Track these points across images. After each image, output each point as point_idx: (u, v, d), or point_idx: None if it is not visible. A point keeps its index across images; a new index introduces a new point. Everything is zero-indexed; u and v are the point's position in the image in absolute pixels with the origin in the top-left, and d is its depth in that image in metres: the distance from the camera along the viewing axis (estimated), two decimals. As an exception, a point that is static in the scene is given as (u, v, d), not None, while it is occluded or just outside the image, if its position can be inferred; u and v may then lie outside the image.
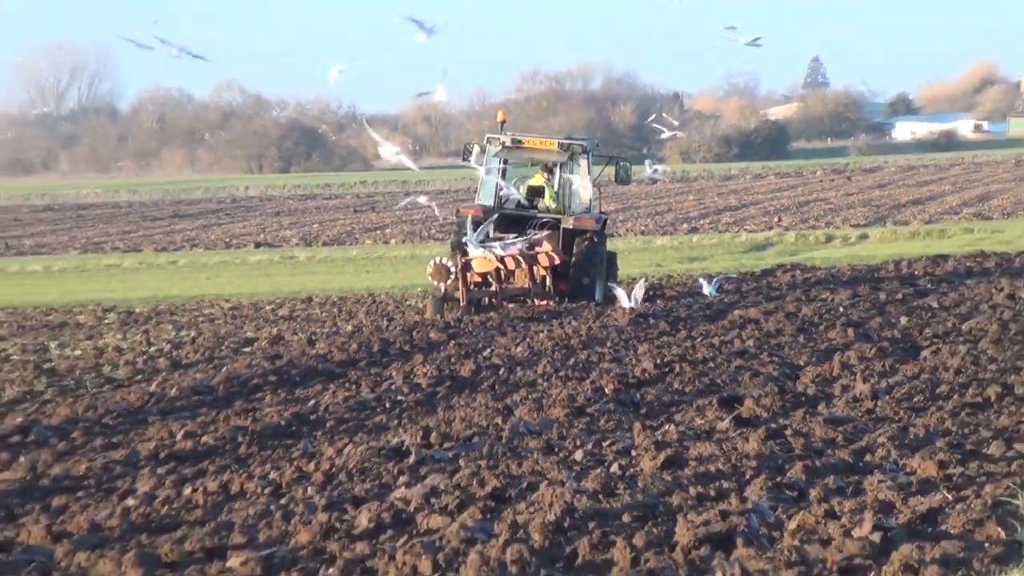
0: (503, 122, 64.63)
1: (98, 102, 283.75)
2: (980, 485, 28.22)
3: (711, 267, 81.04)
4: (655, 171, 78.99)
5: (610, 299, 60.99)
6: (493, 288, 60.03)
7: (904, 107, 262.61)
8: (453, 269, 59.34)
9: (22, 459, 36.69)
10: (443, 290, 60.42)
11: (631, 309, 57.91)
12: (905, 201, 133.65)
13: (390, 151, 66.23)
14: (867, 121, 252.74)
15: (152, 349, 57.89)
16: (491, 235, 59.65)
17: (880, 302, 61.16)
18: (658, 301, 63.34)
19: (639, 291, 60.05)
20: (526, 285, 59.52)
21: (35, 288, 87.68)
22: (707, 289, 65.59)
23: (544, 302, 59.14)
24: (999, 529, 24.81)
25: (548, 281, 59.27)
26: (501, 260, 59.12)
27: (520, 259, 58.82)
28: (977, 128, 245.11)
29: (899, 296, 63.01)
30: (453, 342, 53.23)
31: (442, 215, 64.01)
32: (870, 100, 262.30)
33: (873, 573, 23.40)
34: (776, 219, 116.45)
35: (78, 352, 58.09)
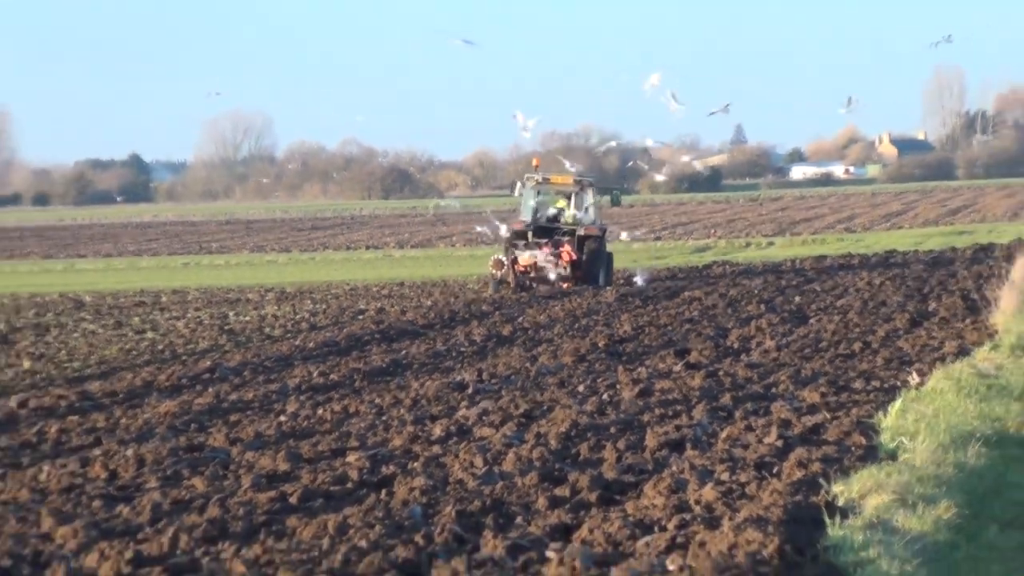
0: (536, 166, 73.81)
1: (262, 151, 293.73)
2: (848, 409, 29.98)
3: (670, 263, 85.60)
4: (617, 197, 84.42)
5: (608, 284, 67.21)
6: (532, 275, 65.56)
7: (798, 156, 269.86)
8: (505, 262, 65.20)
9: (210, 389, 38.61)
10: (498, 276, 66.30)
11: (626, 289, 65.79)
12: (798, 220, 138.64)
13: (502, 228, 70.53)
14: (773, 166, 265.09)
15: (297, 316, 61.30)
16: (530, 240, 66.42)
17: (782, 287, 66.24)
18: (636, 278, 68.47)
19: (643, 275, 68.54)
20: (551, 275, 65.45)
21: (219, 276, 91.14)
22: (639, 279, 69.75)
23: (566, 284, 65.07)
24: (861, 438, 26.08)
25: (568, 271, 65.24)
26: (539, 257, 65.87)
27: (550, 256, 65.59)
28: (846, 171, 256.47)
29: (794, 283, 68.00)
30: (498, 312, 58.38)
31: (503, 228, 67.23)
32: (774, 152, 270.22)
33: (777, 468, 23.93)
34: (713, 232, 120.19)
35: (247, 318, 61.01)
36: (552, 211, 69.29)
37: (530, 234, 67.37)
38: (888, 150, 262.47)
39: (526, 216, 69.00)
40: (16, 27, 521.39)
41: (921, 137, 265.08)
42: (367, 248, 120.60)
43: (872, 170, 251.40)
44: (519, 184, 71.68)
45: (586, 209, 69.00)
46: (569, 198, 70.15)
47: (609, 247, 71.55)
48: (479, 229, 70.40)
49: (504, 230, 68.08)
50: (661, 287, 65.84)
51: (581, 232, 67.06)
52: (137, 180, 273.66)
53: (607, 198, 76.07)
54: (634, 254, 75.31)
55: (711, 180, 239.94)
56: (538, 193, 70.04)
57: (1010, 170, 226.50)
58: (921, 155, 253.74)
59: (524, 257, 66.52)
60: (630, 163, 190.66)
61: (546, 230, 67.42)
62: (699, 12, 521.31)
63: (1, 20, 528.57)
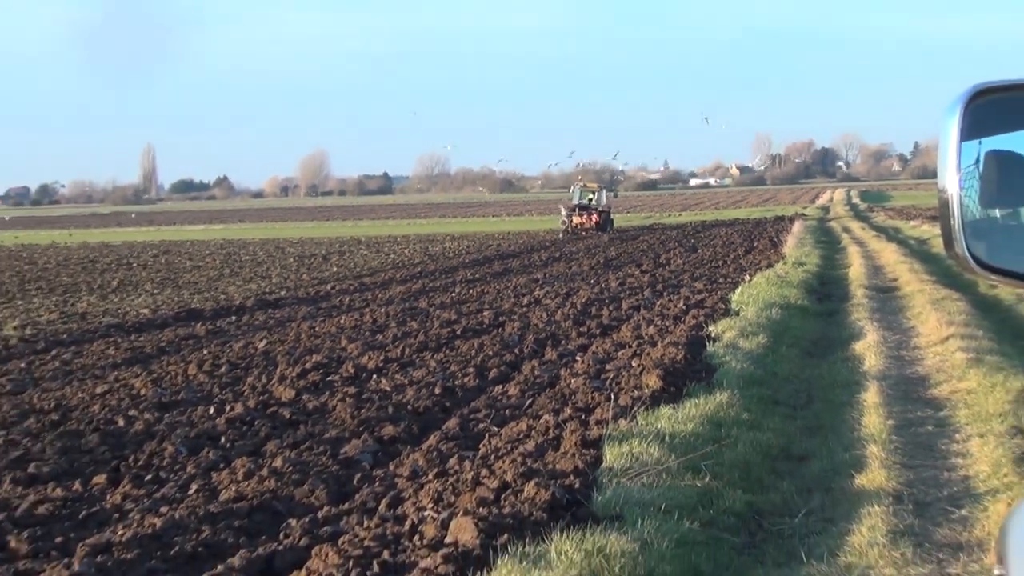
0: (580, 178, 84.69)
1: (447, 169, 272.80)
2: (716, 292, 29.43)
3: (634, 224, 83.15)
4: (616, 194, 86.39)
5: (608, 231, 69.47)
6: (577, 229, 69.83)
7: (693, 174, 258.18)
8: (565, 222, 70.08)
9: (419, 282, 38.84)
10: (562, 229, 70.46)
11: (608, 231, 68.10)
12: (693, 204, 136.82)
13: (563, 211, 73.60)
14: (682, 178, 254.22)
15: (460, 248, 62.29)
16: (577, 212, 71.23)
17: (685, 235, 65.47)
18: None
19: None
20: (585, 229, 69.23)
21: (424, 228, 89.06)
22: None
23: (595, 231, 69.10)
24: (722, 305, 25.71)
25: (593, 227, 69.39)
26: (582, 219, 69.89)
27: (588, 218, 69.48)
28: (716, 181, 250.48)
29: (691, 234, 67.74)
30: (554, 246, 59.08)
31: (564, 211, 70.25)
32: (682, 171, 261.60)
33: (683, 319, 23.76)
34: (653, 209, 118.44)
35: (437, 249, 62.85)
36: (587, 199, 73.50)
37: (577, 209, 71.85)
38: (735, 172, 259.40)
39: (575, 201, 73.33)
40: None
41: (751, 165, 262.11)
42: (493, 216, 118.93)
43: (728, 181, 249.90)
44: (573, 186, 77.60)
45: (601, 198, 73.71)
46: (594, 193, 74.16)
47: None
48: (561, 210, 73.03)
49: (564, 211, 72.68)
50: (629, 236, 66.33)
51: (599, 209, 71.93)
52: (386, 185, 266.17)
53: (611, 193, 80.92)
54: (618, 220, 77.14)
55: (654, 184, 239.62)
56: (581, 190, 74.78)
57: (792, 180, 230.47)
58: (752, 175, 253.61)
59: (574, 220, 70.72)
60: (619, 176, 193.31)
61: (584, 207, 72.08)
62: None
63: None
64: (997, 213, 3.14)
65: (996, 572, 2.79)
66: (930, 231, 58.69)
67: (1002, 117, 3.08)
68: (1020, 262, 2.98)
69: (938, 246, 47.07)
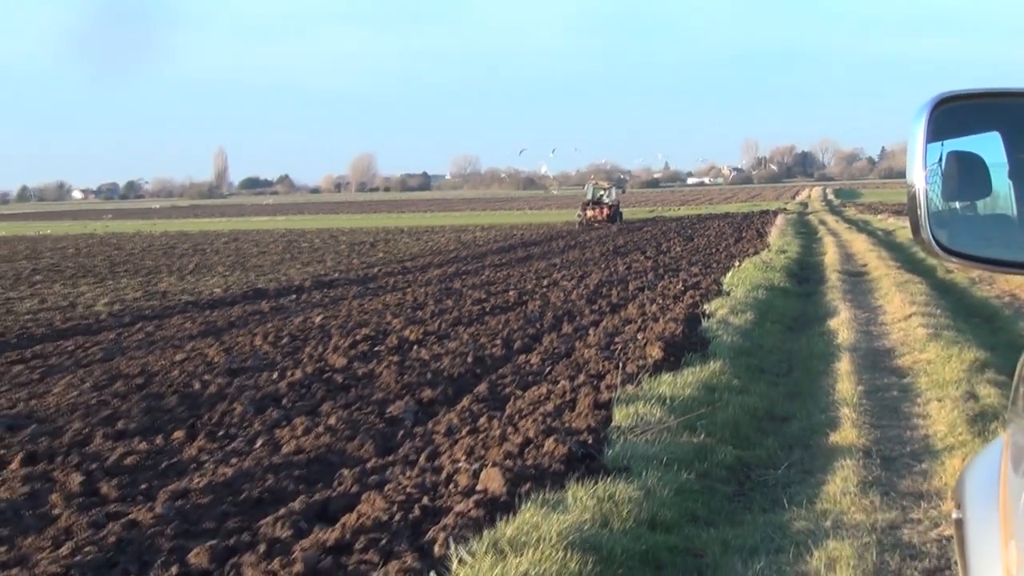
0: (593, 177, 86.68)
1: (478, 169, 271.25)
2: (710, 275, 29.00)
3: (639, 216, 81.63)
4: (623, 190, 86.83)
5: (617, 223, 68.13)
6: (590, 221, 69.01)
7: (689, 174, 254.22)
8: (581, 215, 69.78)
9: (453, 266, 38.53)
10: (577, 222, 69.66)
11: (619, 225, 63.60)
12: (690, 200, 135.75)
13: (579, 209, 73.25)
14: (680, 177, 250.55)
15: (489, 236, 61.94)
16: (591, 205, 70.09)
17: (683, 226, 63.89)
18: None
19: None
20: (598, 221, 68.17)
21: (458, 220, 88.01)
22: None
23: (606, 222, 67.92)
24: (715, 286, 25.34)
25: (604, 219, 68.40)
26: (595, 212, 69.29)
27: (600, 212, 68.94)
28: (710, 181, 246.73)
29: (688, 225, 65.97)
30: (570, 235, 57.80)
31: (580, 208, 70.02)
32: (680, 172, 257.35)
33: (681, 298, 23.54)
34: (655, 204, 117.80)
35: (469, 237, 60.53)
36: (599, 194, 72.58)
37: (590, 204, 70.94)
38: (726, 172, 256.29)
39: (588, 196, 72.77)
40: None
41: (740, 167, 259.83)
42: (516, 210, 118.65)
43: (721, 181, 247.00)
44: (588, 184, 77.24)
45: (611, 194, 72.95)
46: (606, 189, 73.62)
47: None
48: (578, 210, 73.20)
49: (581, 206, 72.15)
50: (634, 227, 64.57)
51: (609, 203, 70.89)
52: (425, 182, 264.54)
53: (620, 190, 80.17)
54: (625, 214, 76.75)
55: (656, 182, 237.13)
56: (594, 187, 74.16)
57: (776, 180, 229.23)
58: (741, 175, 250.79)
59: (588, 213, 69.98)
60: (626, 176, 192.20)
61: (596, 202, 71.27)
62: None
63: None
64: (957, 205, 3.18)
65: (954, 515, 2.78)
66: (895, 223, 58.47)
67: (962, 122, 3.14)
68: (975, 247, 3.01)
69: (902, 236, 47.04)
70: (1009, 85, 3.12)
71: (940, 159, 3.06)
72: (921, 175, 2.96)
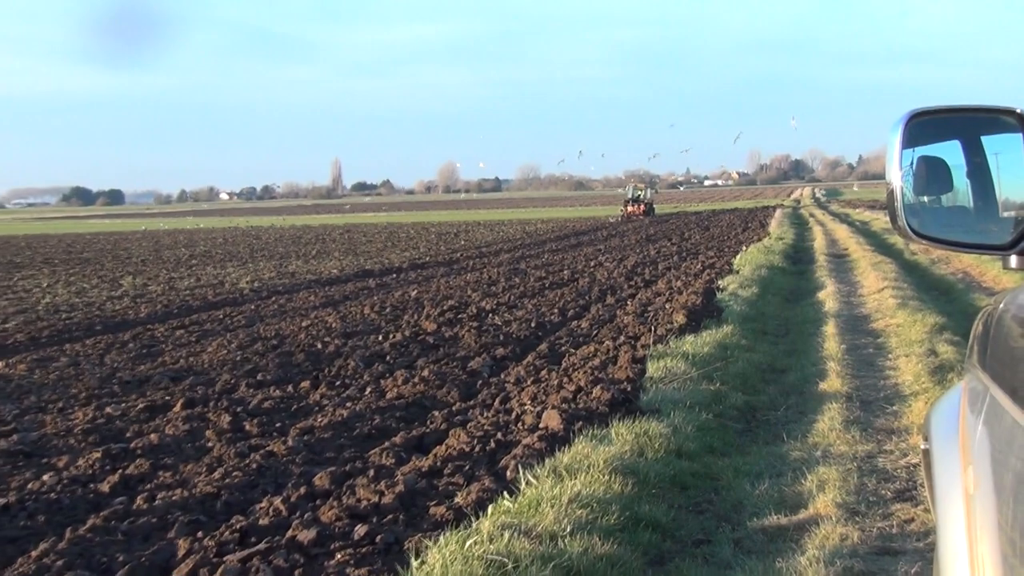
0: (631, 180, 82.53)
1: (536, 174, 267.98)
2: (723, 257, 28.68)
3: (666, 211, 79.90)
4: (656, 191, 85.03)
5: (651, 216, 67.10)
6: (631, 215, 67.12)
7: (706, 177, 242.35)
8: (623, 210, 67.87)
9: (520, 251, 37.71)
10: (619, 216, 67.60)
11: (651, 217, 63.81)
12: (707, 198, 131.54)
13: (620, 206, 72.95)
14: (699, 180, 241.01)
15: (548, 228, 59.59)
16: (631, 203, 68.25)
17: (701, 219, 62.47)
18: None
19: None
20: (637, 214, 66.35)
21: (524, 215, 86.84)
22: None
23: (642, 216, 65.93)
24: (727, 266, 24.92)
25: (642, 214, 66.73)
26: (633, 208, 67.54)
27: (638, 208, 67.41)
28: (723, 182, 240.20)
29: (705, 218, 64.49)
30: (611, 227, 56.07)
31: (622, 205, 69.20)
32: (699, 176, 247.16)
33: (700, 276, 23.29)
34: (678, 202, 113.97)
35: (532, 230, 59.52)
36: (637, 194, 70.80)
37: (630, 201, 69.25)
38: (735, 176, 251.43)
39: (628, 195, 70.93)
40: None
41: (746, 171, 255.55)
42: (569, 207, 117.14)
43: (731, 183, 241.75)
44: (628, 185, 76.33)
45: (647, 193, 71.50)
46: (643, 190, 71.67)
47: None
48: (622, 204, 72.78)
49: (622, 203, 71.36)
50: (662, 220, 62.99)
51: (645, 201, 69.33)
52: (496, 185, 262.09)
53: (653, 190, 78.40)
54: (658, 209, 76.37)
55: (679, 185, 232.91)
56: (633, 188, 72.29)
57: (775, 182, 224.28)
58: (747, 178, 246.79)
59: (628, 209, 68.09)
60: (656, 179, 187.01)
61: (635, 200, 69.20)
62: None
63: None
64: (926, 199, 3.18)
65: (922, 447, 2.74)
66: (870, 216, 57.89)
67: (930, 132, 3.15)
68: (941, 232, 3.00)
69: (876, 227, 46.40)
70: (967, 103, 3.12)
71: (912, 162, 3.06)
72: (897, 175, 2.97)
